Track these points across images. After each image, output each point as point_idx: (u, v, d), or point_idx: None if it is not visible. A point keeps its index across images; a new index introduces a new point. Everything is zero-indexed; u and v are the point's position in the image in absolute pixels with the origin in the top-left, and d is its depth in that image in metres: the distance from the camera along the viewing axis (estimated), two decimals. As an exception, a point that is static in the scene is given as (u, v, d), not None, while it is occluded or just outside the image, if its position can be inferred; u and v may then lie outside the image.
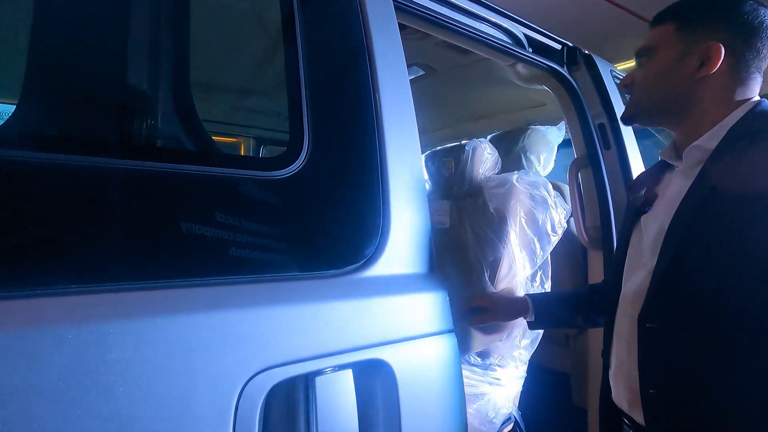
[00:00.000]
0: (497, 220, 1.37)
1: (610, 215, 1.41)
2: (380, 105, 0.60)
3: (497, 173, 1.54)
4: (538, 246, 1.35)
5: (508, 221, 1.35)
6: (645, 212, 0.80)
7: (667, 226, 0.69)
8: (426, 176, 1.72)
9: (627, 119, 0.84)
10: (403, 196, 0.60)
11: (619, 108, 1.54)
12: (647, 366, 0.70)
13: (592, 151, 1.47)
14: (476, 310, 1.07)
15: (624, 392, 0.77)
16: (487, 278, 1.31)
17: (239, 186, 0.49)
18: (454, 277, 1.49)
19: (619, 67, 1.95)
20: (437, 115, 2.47)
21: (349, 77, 0.61)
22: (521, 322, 1.27)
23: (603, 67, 1.55)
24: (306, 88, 0.54)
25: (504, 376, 1.29)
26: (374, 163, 0.58)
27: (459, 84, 1.88)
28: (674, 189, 0.75)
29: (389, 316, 0.52)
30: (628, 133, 1.49)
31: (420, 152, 0.64)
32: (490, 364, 1.28)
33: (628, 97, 0.83)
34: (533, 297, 1.06)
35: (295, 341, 0.45)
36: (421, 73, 1.75)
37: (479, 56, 1.55)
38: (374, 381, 0.51)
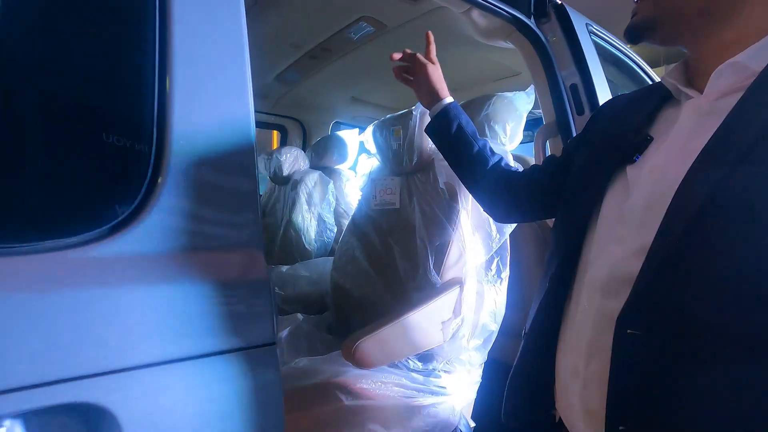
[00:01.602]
0: (447, 197, 1.15)
1: (581, 192, 1.20)
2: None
3: (453, 144, 1.32)
4: (494, 228, 1.13)
5: (459, 198, 1.13)
6: (633, 162, 0.55)
7: (674, 189, 0.46)
8: (374, 150, 1.50)
9: (637, 31, 0.55)
10: (202, 121, 0.36)
11: (596, 67, 1.33)
12: (621, 390, 0.47)
13: (563, 117, 1.26)
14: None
15: (573, 410, 0.55)
16: (431, 266, 1.09)
17: None
18: (403, 260, 1.27)
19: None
20: (403, 87, 2.23)
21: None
22: (469, 319, 1.05)
23: (577, 20, 1.32)
24: None
25: (451, 383, 1.07)
26: (144, 55, 0.35)
27: (417, 44, 1.64)
28: (684, 131, 0.52)
29: (124, 324, 0.30)
30: (604, 94, 1.27)
31: (246, 44, 0.41)
32: (434, 369, 1.06)
33: None
34: (454, 103, 0.96)
35: None
36: (371, 29, 1.51)
37: (431, 4, 1.32)
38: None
